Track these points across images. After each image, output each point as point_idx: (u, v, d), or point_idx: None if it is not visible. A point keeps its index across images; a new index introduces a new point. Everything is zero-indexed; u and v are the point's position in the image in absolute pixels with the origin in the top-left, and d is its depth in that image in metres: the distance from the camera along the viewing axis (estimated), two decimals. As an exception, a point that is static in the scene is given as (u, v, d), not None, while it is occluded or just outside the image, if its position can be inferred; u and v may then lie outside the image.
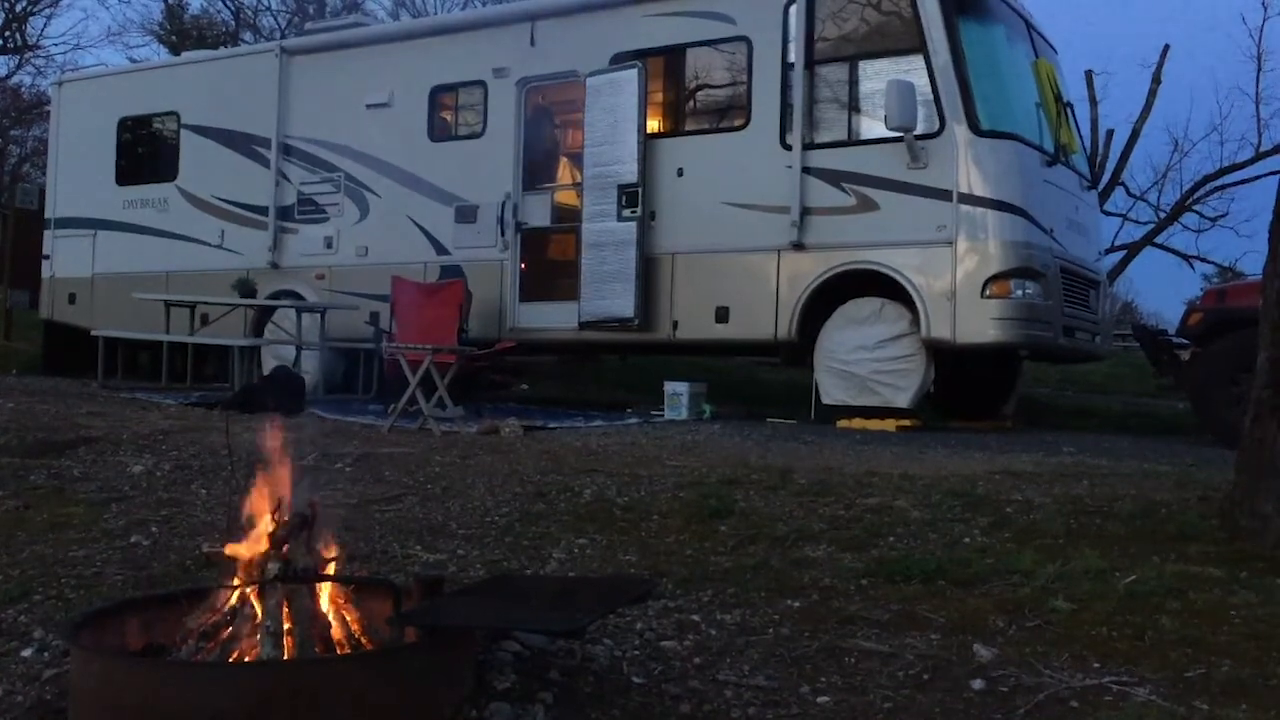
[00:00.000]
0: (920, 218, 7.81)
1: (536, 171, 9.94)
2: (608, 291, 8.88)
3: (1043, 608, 2.80)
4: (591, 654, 2.46)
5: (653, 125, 9.10)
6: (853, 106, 8.27)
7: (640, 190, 8.79)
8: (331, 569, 2.31)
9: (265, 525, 2.23)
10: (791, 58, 8.41)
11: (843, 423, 7.87)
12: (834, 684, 2.35)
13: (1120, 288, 27.36)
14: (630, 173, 8.83)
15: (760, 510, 4.03)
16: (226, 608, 2.21)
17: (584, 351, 10.33)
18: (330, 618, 2.24)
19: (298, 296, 10.45)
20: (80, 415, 6.63)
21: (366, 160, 10.40)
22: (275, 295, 10.59)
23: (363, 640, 2.22)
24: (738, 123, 8.77)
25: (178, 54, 18.56)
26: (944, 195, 7.75)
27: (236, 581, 2.22)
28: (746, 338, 8.63)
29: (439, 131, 10.23)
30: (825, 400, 8.14)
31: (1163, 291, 66.70)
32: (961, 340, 7.67)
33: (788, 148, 8.36)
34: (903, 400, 7.86)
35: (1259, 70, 19.61)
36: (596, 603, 2.33)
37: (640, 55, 8.96)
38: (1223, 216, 20.34)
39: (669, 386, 8.53)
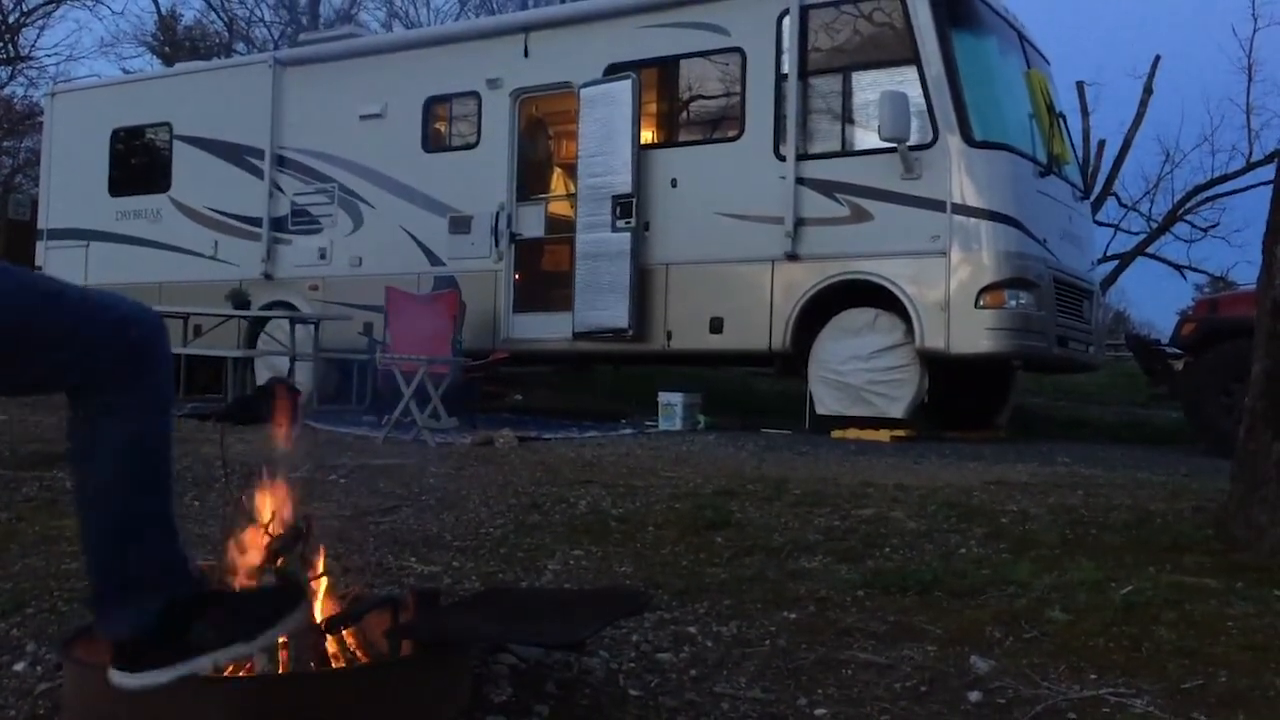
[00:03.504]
0: (914, 228, 7.83)
1: (530, 182, 9.95)
2: (602, 302, 8.88)
3: (1039, 619, 2.80)
4: (588, 666, 2.45)
5: (646, 136, 9.12)
6: (846, 117, 8.30)
7: (634, 201, 8.80)
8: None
9: (259, 537, 2.22)
10: (785, 69, 8.44)
11: (837, 433, 7.88)
12: (831, 696, 2.34)
13: (1113, 297, 27.47)
14: (624, 183, 8.84)
15: (756, 521, 4.03)
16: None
17: (578, 362, 10.32)
18: (326, 631, 2.23)
19: (291, 307, 10.44)
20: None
21: (360, 171, 10.40)
22: (269, 306, 10.58)
23: (358, 654, 2.21)
24: (731, 133, 8.79)
25: (171, 65, 18.55)
26: (938, 206, 7.78)
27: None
28: (741, 348, 8.64)
29: (433, 142, 10.24)
30: (820, 410, 8.15)
31: (1155, 301, 67.04)
32: (955, 350, 7.68)
33: (781, 158, 8.38)
34: (897, 410, 7.86)
35: (1249, 81, 19.77)
36: (594, 615, 2.32)
37: (634, 66, 8.98)
38: (1214, 226, 20.50)
39: (663, 397, 8.53)
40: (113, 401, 1.75)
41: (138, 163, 12.20)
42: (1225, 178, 19.84)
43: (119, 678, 1.80)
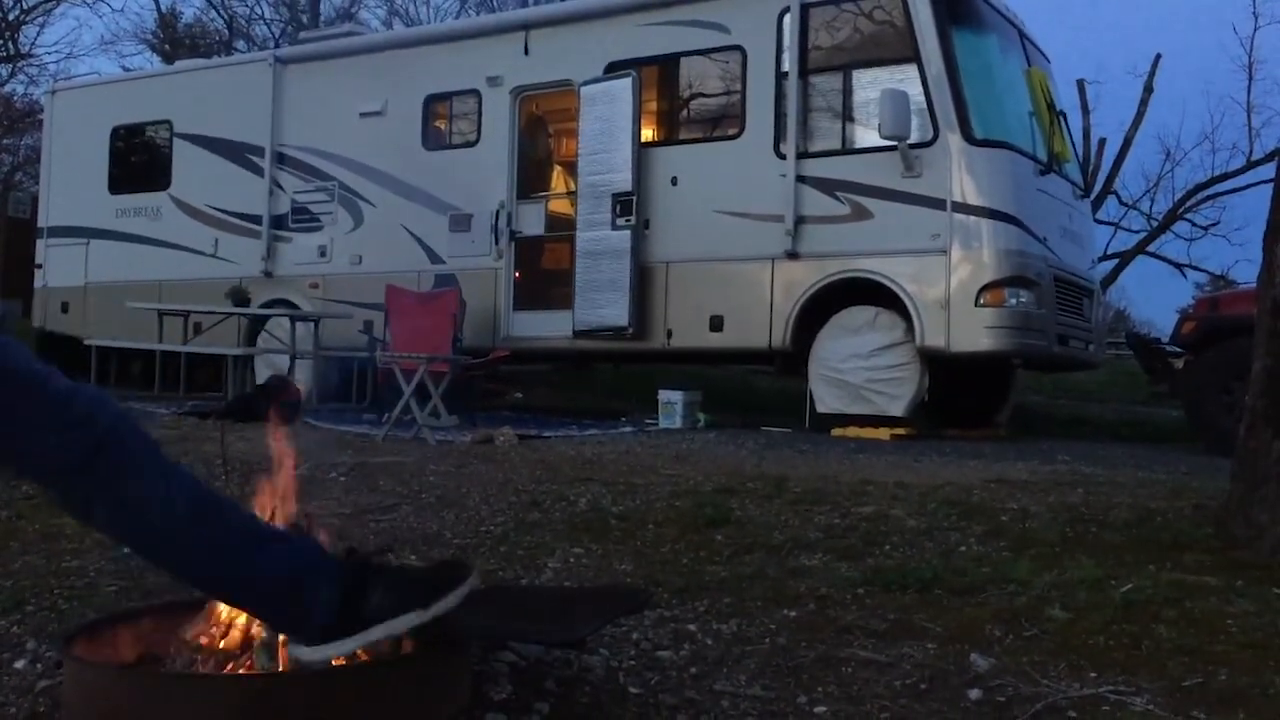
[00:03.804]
0: (914, 226, 7.82)
1: (530, 180, 9.95)
2: (602, 300, 8.88)
3: (1039, 617, 2.80)
4: (588, 664, 2.45)
5: (647, 134, 9.11)
6: (846, 115, 8.29)
7: (634, 199, 8.79)
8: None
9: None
10: (785, 66, 8.43)
11: (837, 431, 7.87)
12: (831, 694, 2.34)
13: (1113, 296, 27.49)
14: (624, 181, 8.83)
15: (756, 519, 4.03)
16: (221, 619, 2.19)
17: (578, 360, 10.32)
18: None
19: (291, 305, 10.43)
20: (73, 425, 6.58)
21: (360, 169, 10.39)
22: (269, 304, 10.58)
23: (358, 652, 2.21)
24: (732, 131, 8.79)
25: (171, 63, 18.54)
26: (938, 204, 7.77)
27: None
28: (741, 346, 8.63)
29: (433, 140, 10.23)
30: (820, 409, 8.15)
31: (1155, 299, 67.15)
32: (955, 349, 7.68)
33: (782, 156, 8.38)
34: (897, 409, 7.86)
35: (1250, 79, 19.76)
36: (594, 613, 2.33)
37: (634, 64, 8.97)
38: (1214, 225, 20.48)
39: (663, 395, 8.53)
40: (114, 498, 1.77)
41: (138, 160, 12.20)
42: (1225, 176, 19.84)
43: (304, 653, 1.84)
